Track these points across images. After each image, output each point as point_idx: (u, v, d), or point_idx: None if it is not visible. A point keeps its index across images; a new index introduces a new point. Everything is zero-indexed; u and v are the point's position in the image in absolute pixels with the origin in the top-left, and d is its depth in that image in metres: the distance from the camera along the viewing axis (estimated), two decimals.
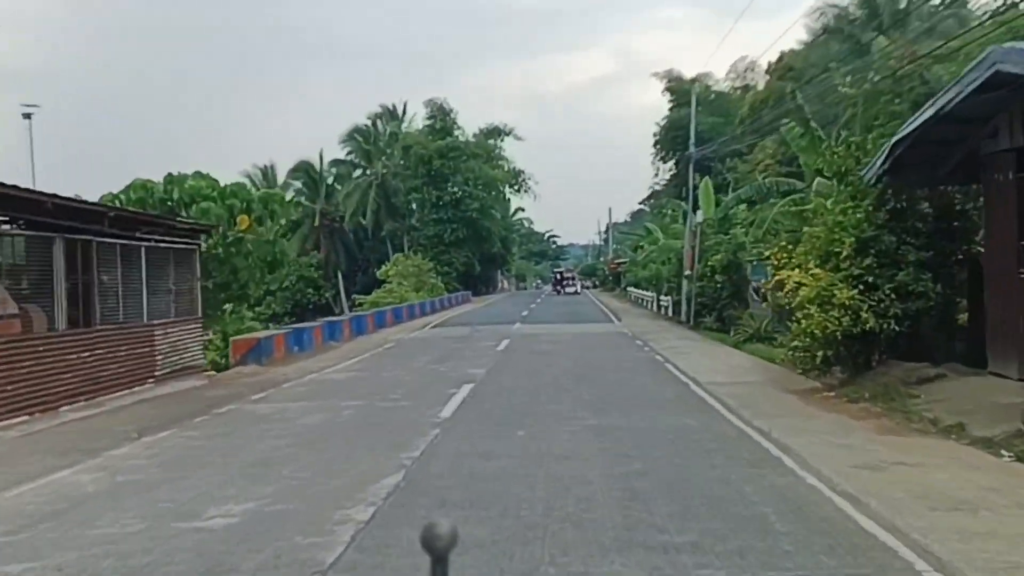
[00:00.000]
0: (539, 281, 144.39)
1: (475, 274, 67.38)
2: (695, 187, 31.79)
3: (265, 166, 76.51)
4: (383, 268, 53.64)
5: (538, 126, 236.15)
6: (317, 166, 70.27)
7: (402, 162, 64.99)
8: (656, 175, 70.63)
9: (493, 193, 63.23)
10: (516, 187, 64.61)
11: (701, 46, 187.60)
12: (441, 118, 62.52)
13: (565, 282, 72.50)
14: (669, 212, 42.87)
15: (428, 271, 54.12)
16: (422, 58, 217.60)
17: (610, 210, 78.89)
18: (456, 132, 63.26)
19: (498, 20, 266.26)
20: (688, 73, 58.42)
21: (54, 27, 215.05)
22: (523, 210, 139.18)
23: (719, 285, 26.73)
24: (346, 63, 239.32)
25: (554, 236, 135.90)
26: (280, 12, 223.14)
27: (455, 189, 61.48)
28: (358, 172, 68.06)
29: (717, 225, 29.67)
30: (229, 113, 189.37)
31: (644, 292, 43.82)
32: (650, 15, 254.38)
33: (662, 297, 36.35)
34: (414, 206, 63.31)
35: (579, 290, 73.99)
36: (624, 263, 58.31)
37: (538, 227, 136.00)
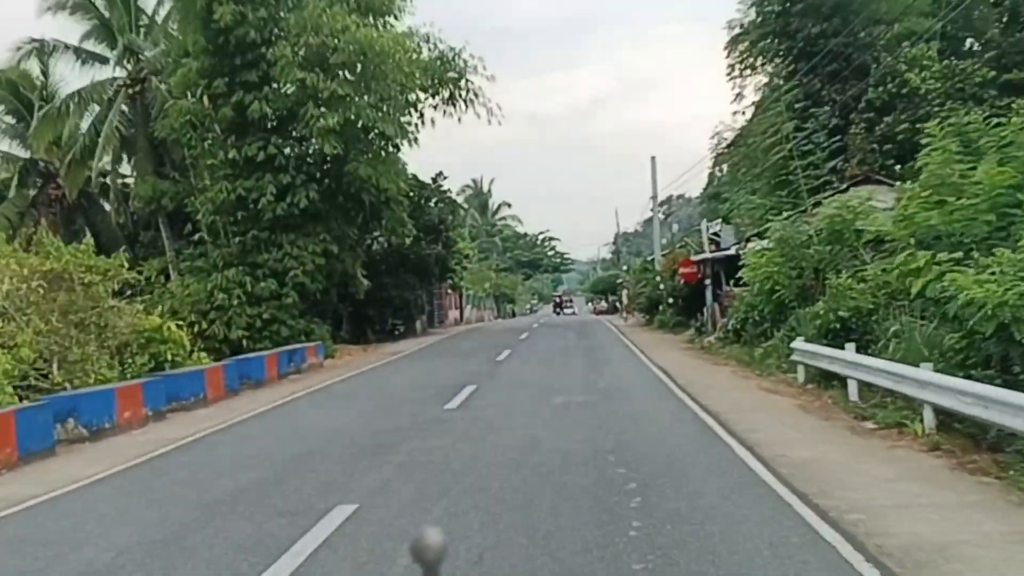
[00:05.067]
0: (534, 302, 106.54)
1: (362, 297, 29.91)
2: None
3: None
4: None
5: (537, 146, 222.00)
6: (38, 72, 32.97)
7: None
8: (737, 98, 34.98)
9: (385, 106, 25.49)
10: (445, 90, 27.26)
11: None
12: None
13: (564, 304, 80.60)
14: None
15: (96, 307, 16.08)
16: None
17: (653, 159, 39.73)
18: None
19: (496, 39, 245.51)
20: None
21: None
22: (509, 205, 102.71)
23: None
24: None
25: (551, 239, 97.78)
26: None
27: (281, 84, 24.22)
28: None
29: None
30: None
31: None
32: (650, 32, 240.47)
33: None
34: (191, 140, 25.71)
35: (576, 311, 79.45)
36: (741, 254, 19.33)
37: (528, 229, 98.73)
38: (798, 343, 13.73)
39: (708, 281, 24.11)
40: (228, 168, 24.93)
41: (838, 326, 12.79)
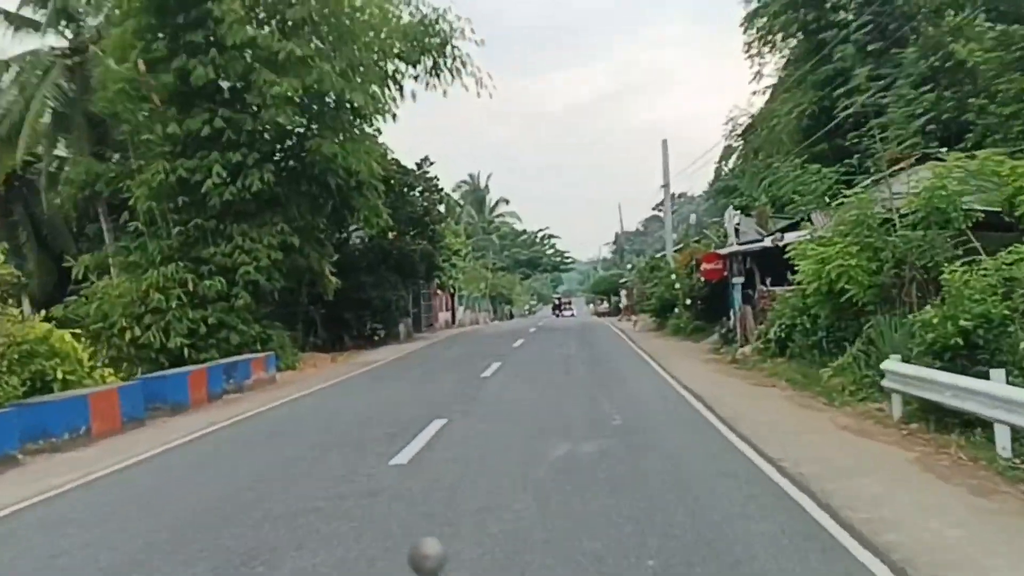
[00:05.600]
0: (533, 302, 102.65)
1: (331, 297, 26.06)
2: None
3: None
4: None
5: (535, 146, 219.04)
6: None
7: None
8: (756, 77, 31.07)
9: (356, 76, 21.64)
10: (428, 59, 23.49)
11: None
12: None
13: (563, 307, 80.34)
14: None
15: None
16: None
17: (664, 143, 36.05)
18: None
19: (495, 39, 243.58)
20: None
21: None
22: (507, 202, 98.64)
23: None
24: None
25: (551, 236, 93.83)
26: None
27: (231, 46, 20.36)
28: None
29: None
30: None
31: None
32: (649, 33, 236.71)
33: None
34: (127, 113, 21.75)
35: (575, 313, 78.15)
36: (782, 246, 15.05)
37: (528, 226, 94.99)
38: (893, 364, 9.82)
39: (738, 279, 20.21)
40: (167, 145, 21.04)
41: (960, 341, 8.88)
